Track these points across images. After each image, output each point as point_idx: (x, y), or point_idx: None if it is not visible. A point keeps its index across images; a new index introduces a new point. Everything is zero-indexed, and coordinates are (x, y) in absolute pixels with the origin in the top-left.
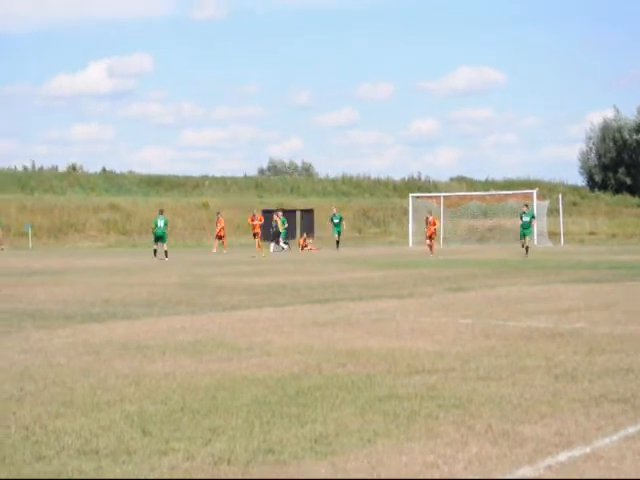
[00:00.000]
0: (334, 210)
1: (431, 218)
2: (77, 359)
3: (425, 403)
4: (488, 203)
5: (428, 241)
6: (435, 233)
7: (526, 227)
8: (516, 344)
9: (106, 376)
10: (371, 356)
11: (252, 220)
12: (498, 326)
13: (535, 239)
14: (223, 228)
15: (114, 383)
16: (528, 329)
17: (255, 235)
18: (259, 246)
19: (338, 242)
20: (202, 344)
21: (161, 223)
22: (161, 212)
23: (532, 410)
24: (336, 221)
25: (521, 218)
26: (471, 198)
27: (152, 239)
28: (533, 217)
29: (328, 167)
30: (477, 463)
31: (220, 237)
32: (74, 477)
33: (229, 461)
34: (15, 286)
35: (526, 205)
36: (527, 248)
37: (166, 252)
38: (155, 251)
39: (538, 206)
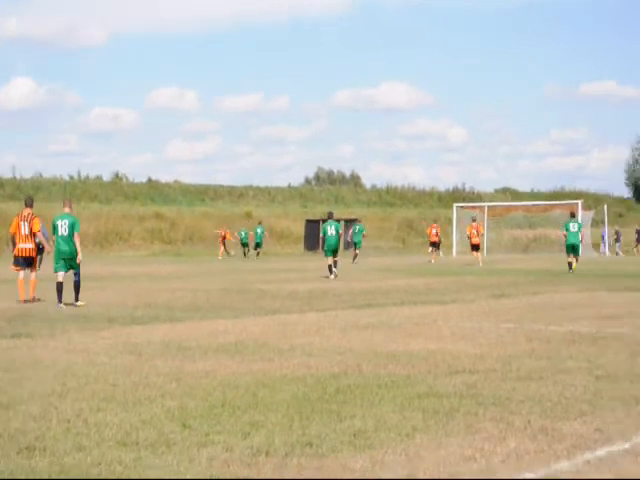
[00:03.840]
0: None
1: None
2: (119, 358)
3: (464, 401)
4: (533, 213)
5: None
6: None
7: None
8: (558, 347)
9: (147, 374)
10: (412, 357)
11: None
12: (540, 330)
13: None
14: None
15: (155, 381)
16: (570, 333)
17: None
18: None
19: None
20: (244, 345)
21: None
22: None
23: (572, 408)
24: (356, 231)
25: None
26: (516, 208)
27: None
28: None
29: (374, 177)
30: (515, 457)
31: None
32: (114, 466)
33: (267, 453)
34: None
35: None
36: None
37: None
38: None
39: (583, 216)
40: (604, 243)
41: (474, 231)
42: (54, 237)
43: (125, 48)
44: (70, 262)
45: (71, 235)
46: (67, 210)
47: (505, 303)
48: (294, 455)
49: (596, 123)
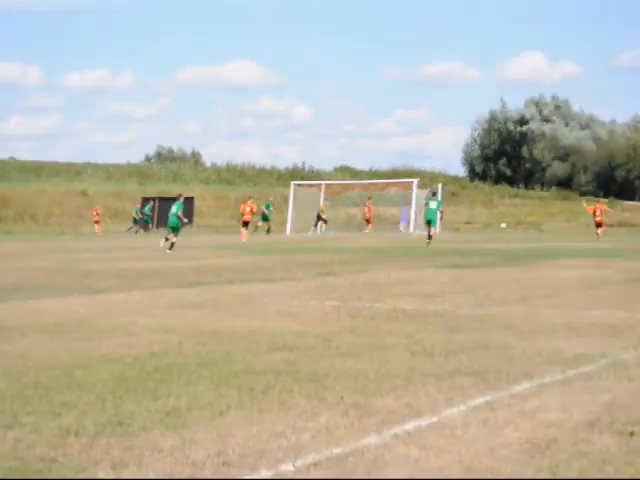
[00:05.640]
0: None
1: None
2: None
3: (281, 378)
4: (370, 192)
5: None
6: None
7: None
8: (379, 324)
9: None
10: (233, 335)
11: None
12: (364, 308)
13: (411, 227)
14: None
15: None
16: (393, 310)
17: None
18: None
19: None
20: (64, 325)
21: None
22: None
23: (386, 384)
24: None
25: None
26: (353, 187)
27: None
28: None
29: (216, 155)
30: (325, 432)
31: (246, 223)
32: None
33: (77, 433)
34: None
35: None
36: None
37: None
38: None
39: (417, 195)
40: (404, 221)
41: (247, 209)
42: None
43: None
44: None
45: None
46: None
47: (332, 281)
48: (104, 435)
49: (439, 104)
